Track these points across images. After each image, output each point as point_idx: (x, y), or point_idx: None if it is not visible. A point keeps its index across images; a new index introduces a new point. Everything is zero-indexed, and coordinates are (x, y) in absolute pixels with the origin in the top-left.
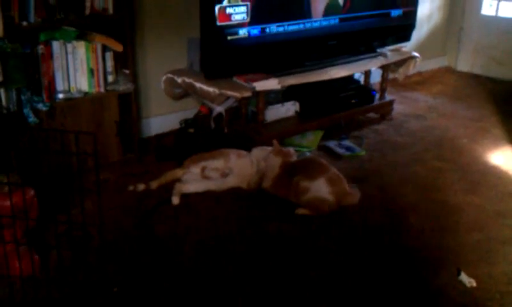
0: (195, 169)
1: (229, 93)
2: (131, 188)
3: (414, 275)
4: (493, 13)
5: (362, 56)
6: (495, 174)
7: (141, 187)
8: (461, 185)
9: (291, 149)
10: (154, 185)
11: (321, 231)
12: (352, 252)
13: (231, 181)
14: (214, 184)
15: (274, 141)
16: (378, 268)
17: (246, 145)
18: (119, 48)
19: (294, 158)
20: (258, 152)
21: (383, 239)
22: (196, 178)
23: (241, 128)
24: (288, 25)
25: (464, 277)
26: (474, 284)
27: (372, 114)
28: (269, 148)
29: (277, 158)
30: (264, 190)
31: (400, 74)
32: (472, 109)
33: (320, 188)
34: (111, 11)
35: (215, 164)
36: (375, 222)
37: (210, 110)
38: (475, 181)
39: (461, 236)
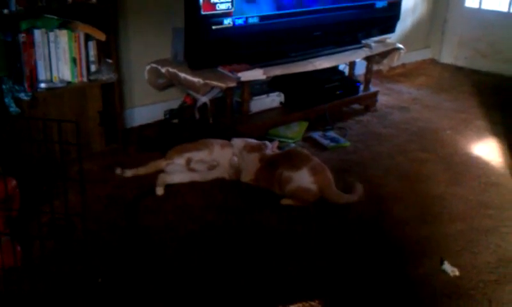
0: (179, 160)
1: (214, 83)
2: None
3: (397, 264)
4: (476, 6)
5: (347, 47)
6: (478, 165)
7: (118, 171)
8: (444, 175)
9: (265, 142)
10: (129, 173)
11: (305, 221)
12: (336, 242)
13: (215, 172)
14: (199, 175)
15: (244, 140)
16: (361, 258)
17: (231, 136)
18: (102, 37)
19: (269, 149)
20: (239, 143)
21: (367, 229)
22: (180, 169)
23: (226, 118)
24: (274, 14)
25: (447, 266)
26: (457, 273)
27: (356, 106)
28: (248, 140)
29: (252, 154)
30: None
31: (384, 66)
32: (456, 101)
33: (303, 177)
34: None
35: (200, 155)
36: (358, 213)
37: (195, 100)
38: (459, 172)
39: (444, 226)
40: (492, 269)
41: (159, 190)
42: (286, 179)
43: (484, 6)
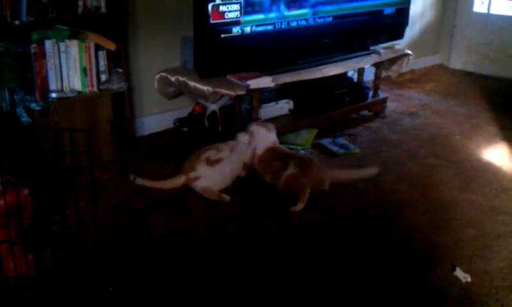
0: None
1: (223, 91)
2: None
3: (409, 271)
4: (484, 11)
5: (355, 54)
6: (489, 170)
7: (131, 177)
8: (456, 181)
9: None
10: (140, 181)
11: (316, 229)
12: (348, 249)
13: (236, 169)
14: (225, 178)
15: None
16: (374, 265)
17: None
18: (112, 46)
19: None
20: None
21: (378, 236)
22: (209, 175)
23: (235, 126)
24: (282, 22)
25: (459, 272)
26: (469, 279)
27: (365, 112)
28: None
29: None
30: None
31: (393, 72)
32: (465, 106)
33: (289, 169)
34: (103, 9)
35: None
36: (370, 220)
37: (204, 108)
38: (469, 177)
39: (456, 232)
40: (505, 275)
41: (226, 197)
42: (276, 171)
43: (493, 11)
